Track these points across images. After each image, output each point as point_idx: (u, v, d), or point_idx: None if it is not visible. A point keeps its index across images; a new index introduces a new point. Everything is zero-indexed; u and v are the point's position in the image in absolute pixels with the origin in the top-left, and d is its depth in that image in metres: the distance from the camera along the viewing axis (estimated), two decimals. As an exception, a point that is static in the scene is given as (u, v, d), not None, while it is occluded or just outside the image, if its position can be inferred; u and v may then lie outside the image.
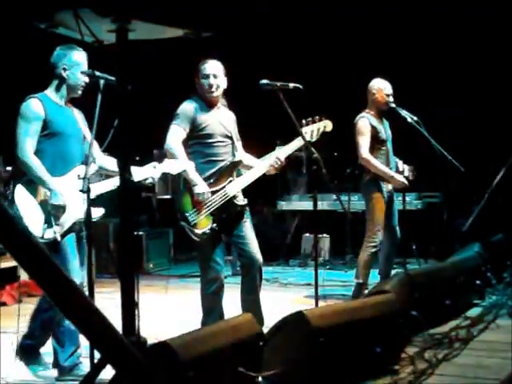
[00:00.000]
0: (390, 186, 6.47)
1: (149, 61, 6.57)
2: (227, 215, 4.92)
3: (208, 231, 4.85)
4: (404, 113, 6.35)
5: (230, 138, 5.06)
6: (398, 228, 6.53)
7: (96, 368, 2.16)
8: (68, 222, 4.27)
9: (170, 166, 4.61)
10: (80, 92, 4.41)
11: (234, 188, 4.95)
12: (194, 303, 5.21)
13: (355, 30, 9.30)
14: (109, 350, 1.97)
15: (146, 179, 4.44)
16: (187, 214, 4.87)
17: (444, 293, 5.36)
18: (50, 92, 4.36)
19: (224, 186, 4.92)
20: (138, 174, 4.37)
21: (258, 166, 5.07)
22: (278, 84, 4.86)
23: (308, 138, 5.05)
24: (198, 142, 4.96)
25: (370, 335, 4.12)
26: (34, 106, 4.24)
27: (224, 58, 5.13)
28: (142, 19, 2.79)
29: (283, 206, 9.54)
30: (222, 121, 5.04)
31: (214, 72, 4.96)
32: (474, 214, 7.41)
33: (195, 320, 5.05)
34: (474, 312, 5.70)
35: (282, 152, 5.07)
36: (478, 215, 7.37)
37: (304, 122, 5.01)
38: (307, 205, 8.72)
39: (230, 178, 4.96)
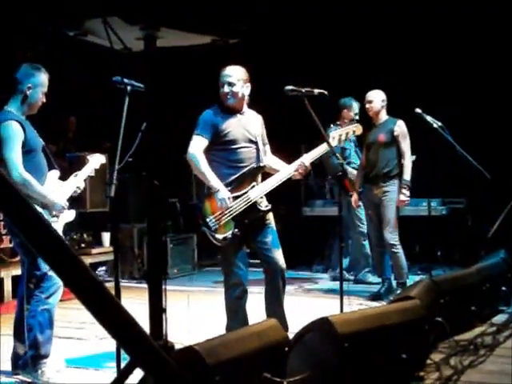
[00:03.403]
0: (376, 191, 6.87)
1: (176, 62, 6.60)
2: (250, 220, 4.92)
3: (229, 236, 4.86)
4: (429, 118, 6.39)
5: (255, 142, 5.05)
6: (385, 235, 6.81)
7: (125, 371, 2.18)
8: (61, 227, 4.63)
9: (89, 166, 4.89)
10: (36, 110, 4.60)
11: (257, 193, 4.95)
12: (219, 308, 5.24)
13: (357, 31, 9.39)
14: (139, 353, 1.99)
15: (74, 191, 4.75)
16: (208, 220, 4.89)
17: (469, 299, 5.34)
18: (15, 109, 4.48)
19: (247, 191, 4.92)
20: (65, 190, 4.68)
21: (283, 171, 5.08)
22: (303, 90, 4.88)
23: (336, 142, 5.06)
24: (221, 148, 4.96)
25: (395, 341, 4.11)
26: (17, 127, 4.38)
27: (249, 61, 5.14)
28: (170, 27, 2.82)
29: (307, 211, 9.52)
30: (246, 126, 5.03)
31: (230, 80, 4.95)
32: (499, 220, 7.37)
33: (220, 325, 5.07)
34: (499, 318, 5.67)
35: (308, 157, 5.08)
36: (502, 221, 7.33)
37: (332, 126, 5.03)
38: (331, 210, 8.72)
39: (254, 183, 4.96)
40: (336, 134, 5.08)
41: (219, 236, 4.87)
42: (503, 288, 6.01)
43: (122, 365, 3.43)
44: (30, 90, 4.47)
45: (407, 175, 6.74)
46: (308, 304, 6.83)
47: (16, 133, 4.35)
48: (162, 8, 2.76)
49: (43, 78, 4.53)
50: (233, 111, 5.03)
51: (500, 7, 8.29)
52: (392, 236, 6.79)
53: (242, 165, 4.97)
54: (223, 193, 4.84)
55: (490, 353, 4.77)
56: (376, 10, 9.10)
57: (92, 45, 3.16)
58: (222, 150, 4.97)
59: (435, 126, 6.37)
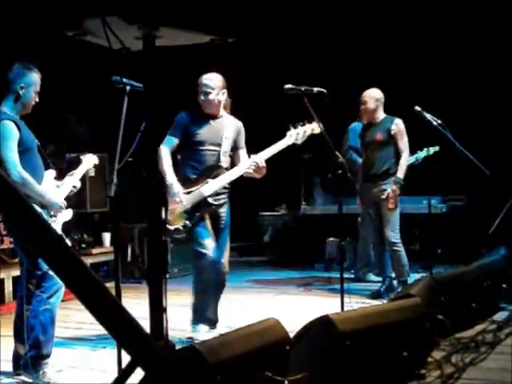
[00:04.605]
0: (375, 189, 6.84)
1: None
2: (201, 213, 5.13)
3: (181, 228, 5.12)
4: (429, 116, 6.39)
5: (220, 145, 5.22)
6: (386, 233, 6.80)
7: (126, 371, 2.18)
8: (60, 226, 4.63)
9: (83, 166, 4.98)
10: (30, 110, 4.59)
11: (209, 188, 5.14)
12: (221, 306, 5.25)
13: (356, 29, 9.40)
14: (140, 353, 1.99)
15: (70, 191, 4.78)
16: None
17: (470, 296, 5.33)
18: (8, 109, 4.47)
19: (199, 187, 5.14)
20: (62, 189, 4.69)
21: (236, 169, 5.24)
22: (303, 89, 4.91)
23: (293, 140, 5.15)
24: (189, 149, 5.24)
25: (396, 339, 4.11)
26: (12, 126, 4.37)
27: (248, 60, 5.16)
28: (169, 26, 2.82)
29: (307, 210, 9.51)
30: (217, 130, 5.24)
31: (205, 89, 5.18)
32: (500, 217, 7.36)
33: (220, 323, 5.08)
34: (500, 316, 5.66)
35: (261, 155, 5.15)
36: (503, 218, 7.33)
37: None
38: (331, 209, 8.72)
39: (207, 180, 5.15)
40: (294, 133, 5.17)
41: (171, 227, 5.13)
42: (504, 285, 6.00)
43: (123, 365, 3.43)
44: (23, 90, 4.46)
45: (401, 173, 6.73)
46: (309, 302, 6.83)
47: (11, 132, 4.34)
48: (161, 7, 2.76)
49: (35, 77, 4.52)
50: (209, 116, 5.25)
51: (499, 6, 8.29)
52: (393, 234, 6.79)
53: (202, 165, 5.21)
54: (175, 187, 5.11)
55: (491, 350, 4.76)
56: (375, 9, 9.10)
57: (91, 44, 3.15)
58: (189, 150, 5.25)
59: (435, 123, 6.38)
